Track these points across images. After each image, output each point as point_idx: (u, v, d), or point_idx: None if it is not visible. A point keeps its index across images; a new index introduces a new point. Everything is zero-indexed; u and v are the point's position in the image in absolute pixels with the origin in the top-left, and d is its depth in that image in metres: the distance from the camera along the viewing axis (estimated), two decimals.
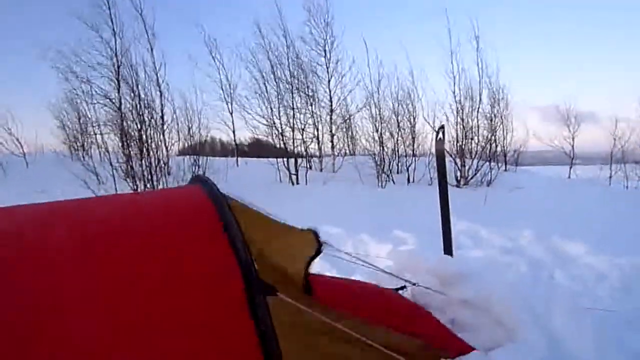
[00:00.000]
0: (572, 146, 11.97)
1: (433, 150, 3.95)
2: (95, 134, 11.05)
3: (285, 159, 10.94)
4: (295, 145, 11.46)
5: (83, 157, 12.00)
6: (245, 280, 1.24)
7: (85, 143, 13.12)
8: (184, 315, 1.20)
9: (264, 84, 11.54)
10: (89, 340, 1.07)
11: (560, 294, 2.92)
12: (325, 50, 12.82)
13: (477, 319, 2.22)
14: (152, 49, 10.83)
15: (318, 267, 2.00)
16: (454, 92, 10.79)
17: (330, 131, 12.73)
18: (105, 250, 1.24)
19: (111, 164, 9.65)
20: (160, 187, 9.59)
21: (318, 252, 1.53)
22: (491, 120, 10.98)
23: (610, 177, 10.76)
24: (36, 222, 1.35)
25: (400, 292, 2.34)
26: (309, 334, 1.41)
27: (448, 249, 3.29)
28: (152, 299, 1.19)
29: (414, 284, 2.34)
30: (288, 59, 11.69)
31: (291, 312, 1.32)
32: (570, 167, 11.97)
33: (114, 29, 10.27)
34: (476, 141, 10.82)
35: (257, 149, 15.51)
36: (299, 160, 11.20)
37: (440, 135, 3.46)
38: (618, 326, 2.54)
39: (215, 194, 1.45)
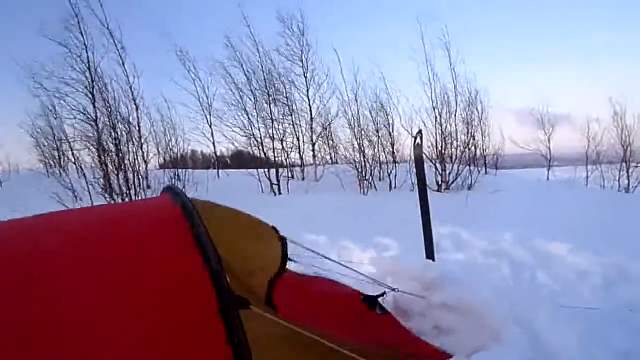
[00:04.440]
0: (549, 148, 12.21)
1: (413, 156, 3.96)
2: (72, 150, 10.79)
3: (266, 170, 10.87)
4: (277, 155, 11.43)
5: (60, 174, 11.70)
6: (218, 293, 1.20)
7: (62, 160, 12.84)
8: (156, 327, 1.16)
9: (240, 95, 11.56)
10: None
11: (543, 294, 2.93)
12: (302, 60, 12.87)
13: (460, 322, 2.20)
14: (123, 64, 10.58)
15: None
16: (430, 98, 10.93)
17: (311, 140, 12.74)
18: (71, 261, 1.19)
19: (86, 180, 9.43)
20: None
21: (282, 270, 1.55)
22: (468, 124, 11.14)
23: (587, 177, 10.99)
24: None
25: (381, 298, 2.31)
26: (281, 345, 1.38)
27: (430, 254, 3.27)
28: (122, 311, 1.14)
29: (394, 290, 2.31)
30: (263, 70, 11.73)
31: (263, 324, 1.28)
32: (549, 169, 12.18)
33: (85, 44, 10.04)
34: (455, 146, 10.94)
35: (239, 160, 15.44)
36: (281, 170, 11.14)
37: (419, 140, 3.46)
38: (601, 324, 2.54)
39: (184, 202, 1.39)
